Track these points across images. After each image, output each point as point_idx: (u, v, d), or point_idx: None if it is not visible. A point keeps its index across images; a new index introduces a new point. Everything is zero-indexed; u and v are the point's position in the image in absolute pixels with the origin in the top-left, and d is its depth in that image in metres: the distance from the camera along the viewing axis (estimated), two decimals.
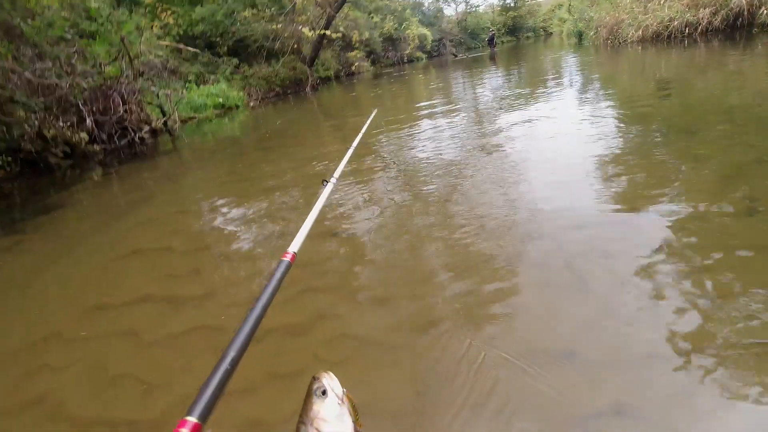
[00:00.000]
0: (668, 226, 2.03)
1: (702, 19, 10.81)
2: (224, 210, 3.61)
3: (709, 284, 1.60)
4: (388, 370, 1.52)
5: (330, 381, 0.37)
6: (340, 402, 0.36)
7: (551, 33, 36.12)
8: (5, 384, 1.82)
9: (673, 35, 11.61)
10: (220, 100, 12.89)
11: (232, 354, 0.51)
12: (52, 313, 2.39)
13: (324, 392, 0.36)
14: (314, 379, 0.38)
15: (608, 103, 5.13)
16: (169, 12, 14.95)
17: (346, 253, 2.46)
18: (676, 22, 11.47)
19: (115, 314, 2.26)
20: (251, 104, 14.35)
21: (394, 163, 4.16)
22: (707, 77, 5.87)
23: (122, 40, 8.17)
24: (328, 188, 1.46)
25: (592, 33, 15.63)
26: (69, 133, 7.13)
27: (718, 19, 10.53)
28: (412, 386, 1.40)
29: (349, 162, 2.03)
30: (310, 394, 0.37)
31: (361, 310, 1.92)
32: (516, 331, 1.57)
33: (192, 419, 0.44)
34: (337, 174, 1.63)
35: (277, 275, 0.71)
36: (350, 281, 2.17)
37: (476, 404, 1.29)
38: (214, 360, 1.51)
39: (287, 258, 0.79)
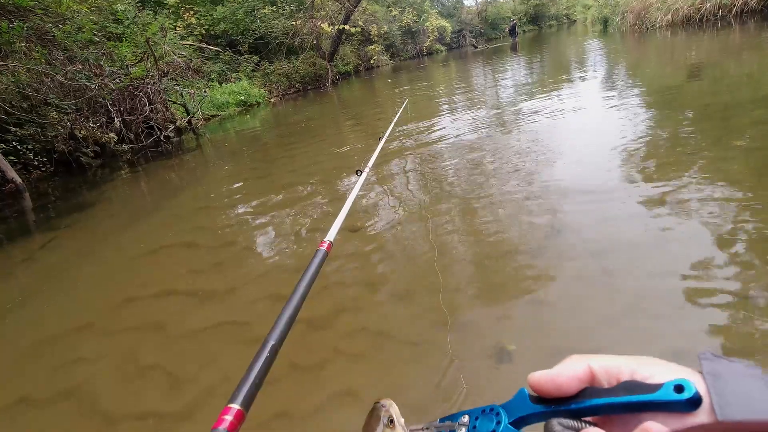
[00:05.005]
0: (701, 221, 1.94)
1: None
2: (246, 206, 3.66)
3: (745, 281, 1.52)
4: (407, 365, 1.51)
5: (395, 411, 0.36)
6: None
7: (575, 21, 35.08)
8: (40, 375, 1.89)
9: (705, 18, 11.10)
10: (242, 97, 13.08)
11: (272, 342, 0.50)
12: (84, 306, 2.49)
13: (392, 421, 0.35)
14: (380, 405, 0.36)
15: (636, 90, 4.95)
16: (191, 12, 15.22)
17: (366, 248, 2.45)
18: (708, 4, 10.96)
19: (144, 308, 2.33)
20: (272, 101, 14.51)
21: (416, 156, 4.12)
22: (741, 61, 5.58)
23: (147, 41, 8.38)
24: (362, 178, 1.45)
25: (618, 19, 15.12)
26: (99, 133, 7.37)
27: None
28: (431, 380, 1.38)
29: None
30: (377, 420, 0.35)
31: (381, 305, 1.92)
32: (540, 327, 1.53)
33: (235, 406, 0.44)
34: (370, 164, 1.63)
35: (314, 264, 0.70)
36: (371, 276, 2.16)
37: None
38: (239, 352, 1.52)
39: (323, 247, 0.79)
